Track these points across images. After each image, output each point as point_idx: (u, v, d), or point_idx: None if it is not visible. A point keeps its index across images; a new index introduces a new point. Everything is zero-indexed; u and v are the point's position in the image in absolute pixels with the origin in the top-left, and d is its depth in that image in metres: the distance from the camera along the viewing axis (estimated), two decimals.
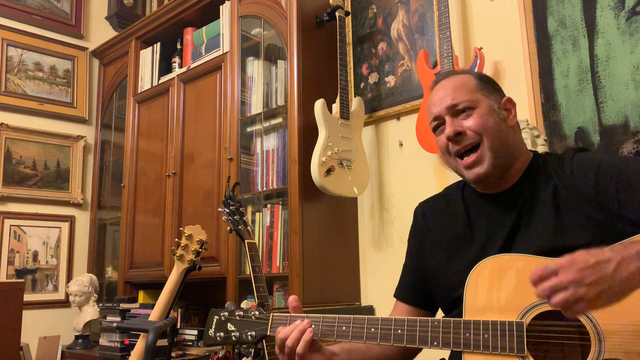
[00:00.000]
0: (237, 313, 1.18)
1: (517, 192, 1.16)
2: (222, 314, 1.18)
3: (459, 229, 1.22)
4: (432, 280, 1.25)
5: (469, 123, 1.15)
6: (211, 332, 1.17)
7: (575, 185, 1.08)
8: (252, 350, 1.92)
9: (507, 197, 1.17)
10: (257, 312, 1.17)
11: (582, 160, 1.12)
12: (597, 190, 1.05)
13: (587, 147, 1.21)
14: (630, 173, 1.04)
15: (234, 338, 1.16)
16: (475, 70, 2.01)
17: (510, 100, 1.21)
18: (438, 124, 1.20)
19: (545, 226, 1.08)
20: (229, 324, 1.17)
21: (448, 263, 1.20)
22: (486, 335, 1.00)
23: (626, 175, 1.04)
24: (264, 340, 1.17)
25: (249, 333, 1.16)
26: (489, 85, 1.21)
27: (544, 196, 1.11)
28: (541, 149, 1.78)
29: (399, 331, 1.06)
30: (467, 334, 1.01)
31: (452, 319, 1.05)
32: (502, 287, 1.04)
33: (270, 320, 1.16)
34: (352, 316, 1.12)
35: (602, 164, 1.07)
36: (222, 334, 1.17)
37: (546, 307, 0.98)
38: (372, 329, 1.09)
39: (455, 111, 1.16)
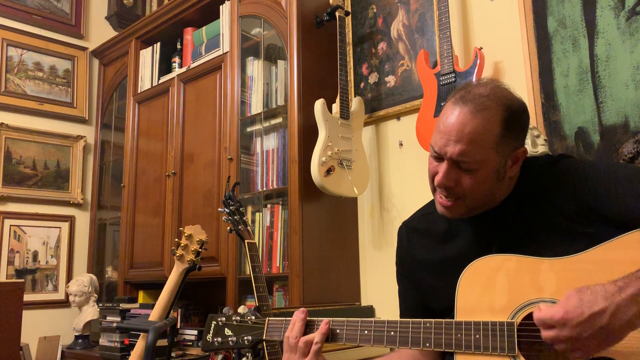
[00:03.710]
0: (234, 318, 1.21)
1: (504, 211, 1.16)
2: (219, 319, 1.22)
3: (445, 250, 1.22)
4: (428, 301, 1.25)
5: (463, 181, 1.10)
6: (209, 337, 1.21)
7: (556, 204, 1.09)
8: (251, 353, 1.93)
9: (493, 216, 1.16)
10: (253, 317, 1.21)
11: (559, 178, 1.11)
12: (578, 209, 1.06)
13: (567, 154, 1.18)
14: (605, 185, 1.05)
15: (231, 343, 1.19)
16: (475, 70, 2.00)
17: (524, 152, 1.13)
18: (436, 156, 1.12)
19: (538, 242, 1.08)
20: (226, 329, 1.20)
21: (440, 286, 1.19)
22: (477, 336, 1.00)
23: (601, 188, 1.05)
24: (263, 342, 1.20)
25: (245, 337, 1.19)
26: (513, 133, 1.10)
27: (531, 214, 1.12)
28: (541, 149, 1.78)
29: (392, 333, 1.08)
30: (459, 335, 1.02)
31: (443, 320, 1.05)
32: (493, 287, 1.04)
33: (266, 324, 1.19)
34: (345, 319, 1.13)
35: (577, 186, 1.08)
36: (219, 339, 1.20)
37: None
38: (366, 332, 1.10)
39: (458, 165, 1.09)
